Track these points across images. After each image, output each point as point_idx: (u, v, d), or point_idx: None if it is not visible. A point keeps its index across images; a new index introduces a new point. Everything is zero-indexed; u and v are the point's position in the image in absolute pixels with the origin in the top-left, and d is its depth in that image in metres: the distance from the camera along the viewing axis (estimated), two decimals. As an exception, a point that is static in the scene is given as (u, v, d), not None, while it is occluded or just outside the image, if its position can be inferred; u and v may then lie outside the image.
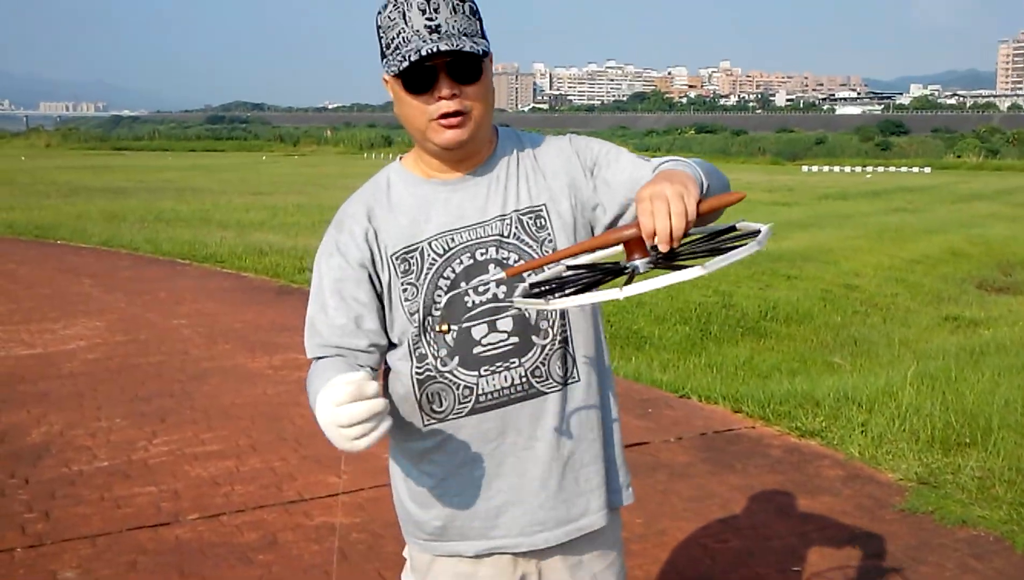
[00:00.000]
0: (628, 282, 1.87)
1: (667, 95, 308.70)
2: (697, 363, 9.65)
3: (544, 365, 2.33)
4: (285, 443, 6.85)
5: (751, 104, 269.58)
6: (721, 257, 1.78)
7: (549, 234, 2.33)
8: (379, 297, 2.35)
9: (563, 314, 2.33)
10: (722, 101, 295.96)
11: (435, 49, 2.10)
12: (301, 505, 5.76)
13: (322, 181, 41.47)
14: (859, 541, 5.31)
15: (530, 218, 2.34)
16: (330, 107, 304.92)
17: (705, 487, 6.11)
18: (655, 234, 1.86)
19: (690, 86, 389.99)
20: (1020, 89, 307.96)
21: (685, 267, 1.77)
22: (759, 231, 1.91)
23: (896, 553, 5.14)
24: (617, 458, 2.49)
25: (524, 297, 2.06)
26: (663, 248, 1.87)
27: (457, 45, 2.11)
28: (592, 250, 2.00)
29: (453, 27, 2.15)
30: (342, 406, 1.94)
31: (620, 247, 1.96)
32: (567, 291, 2.02)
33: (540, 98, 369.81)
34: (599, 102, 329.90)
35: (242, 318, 11.34)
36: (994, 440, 6.56)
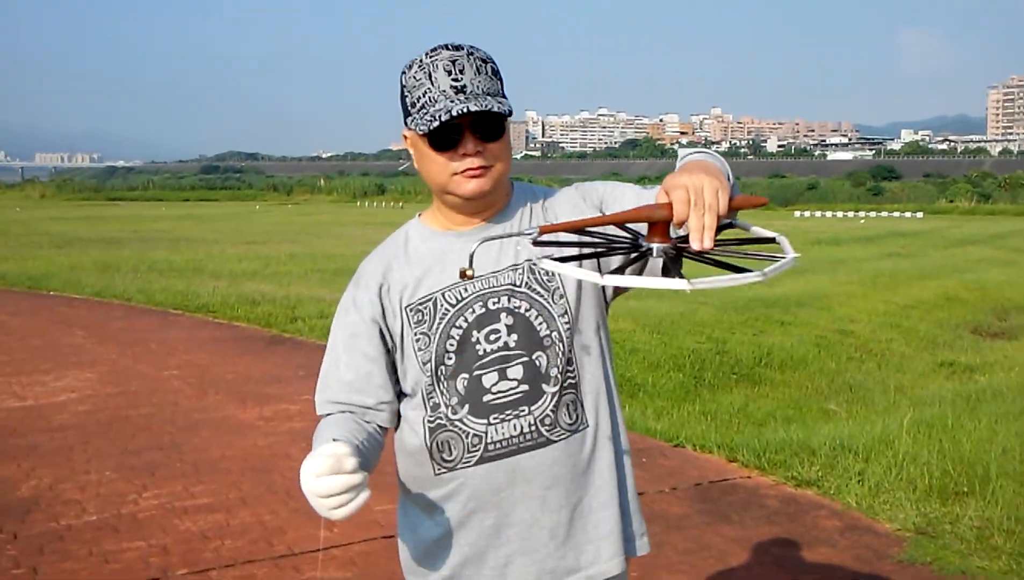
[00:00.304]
0: (639, 263, 2.00)
1: (659, 141, 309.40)
2: (691, 411, 9.61)
3: (554, 413, 2.34)
4: (275, 496, 6.80)
5: (743, 150, 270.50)
6: (776, 266, 1.80)
7: (557, 284, 2.37)
8: (390, 351, 2.41)
9: (570, 361, 2.35)
10: (714, 147, 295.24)
11: (464, 110, 2.16)
12: (291, 559, 5.71)
13: (315, 230, 41.59)
14: (857, 593, 5.23)
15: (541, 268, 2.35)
16: (324, 156, 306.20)
17: (701, 539, 6.06)
18: (683, 224, 1.87)
19: (682, 132, 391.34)
20: (1011, 134, 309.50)
21: (719, 263, 1.85)
22: (784, 256, 1.89)
23: (894, 604, 5.06)
24: (630, 504, 2.48)
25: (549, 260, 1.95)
26: (695, 245, 1.84)
27: (485, 106, 2.18)
28: (621, 222, 1.98)
29: (478, 87, 2.23)
30: (321, 477, 1.99)
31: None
32: (613, 267, 2.13)
33: (532, 145, 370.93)
34: (591, 149, 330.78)
35: (233, 369, 11.30)
36: (992, 489, 6.53)
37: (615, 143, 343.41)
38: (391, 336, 2.40)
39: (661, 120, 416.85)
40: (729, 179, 2.09)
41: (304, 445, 7.99)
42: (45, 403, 9.62)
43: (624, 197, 2.41)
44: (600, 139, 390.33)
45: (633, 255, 1.97)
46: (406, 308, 2.38)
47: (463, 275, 2.03)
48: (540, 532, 2.36)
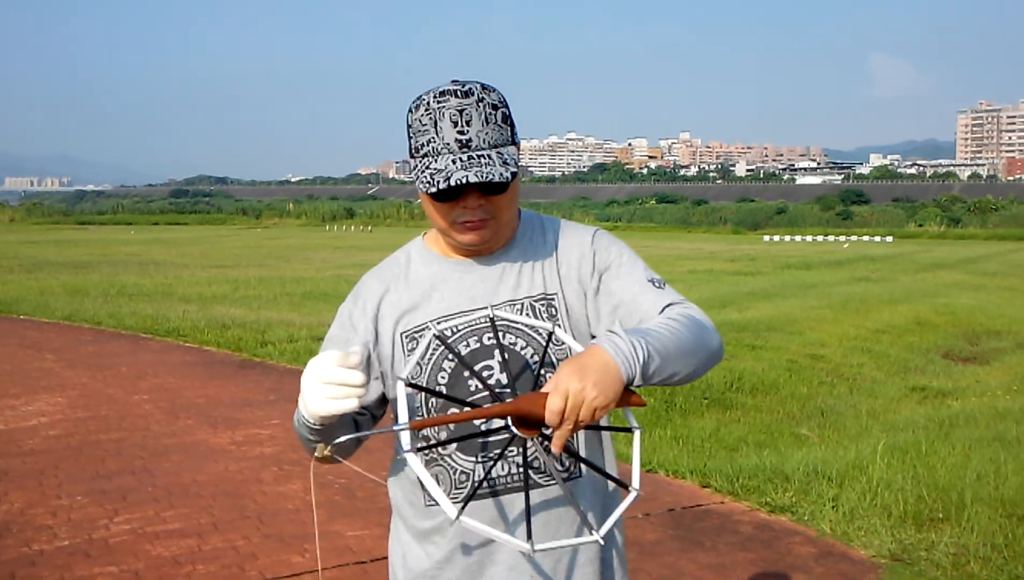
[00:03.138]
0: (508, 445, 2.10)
1: (627, 166, 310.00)
2: (663, 435, 9.61)
3: (543, 454, 2.25)
4: (247, 521, 6.80)
5: (711, 174, 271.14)
6: (612, 519, 2.15)
7: (559, 323, 2.32)
8: (377, 378, 2.38)
9: None
10: (682, 171, 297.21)
11: (464, 180, 2.10)
12: (264, 585, 5.71)
13: (284, 254, 41.58)
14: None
15: (542, 305, 2.33)
16: (293, 180, 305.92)
17: (675, 565, 6.06)
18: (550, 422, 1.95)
19: (650, 157, 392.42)
20: (979, 159, 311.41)
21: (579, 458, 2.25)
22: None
23: (871, 631, 5.06)
24: (615, 559, 2.44)
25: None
26: (554, 450, 1.99)
27: (486, 176, 2.11)
28: (497, 416, 2.03)
29: (484, 140, 2.16)
30: (325, 366, 2.01)
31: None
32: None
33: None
34: (560, 173, 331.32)
35: (204, 392, 11.28)
36: (967, 515, 6.55)
37: (584, 167, 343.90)
38: (380, 362, 2.36)
39: (630, 144, 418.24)
40: (633, 378, 2.04)
41: (276, 469, 8.02)
42: (15, 427, 9.58)
43: (629, 279, 2.33)
44: (569, 163, 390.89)
45: (504, 436, 2.12)
46: (401, 334, 2.34)
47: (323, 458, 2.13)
48: (522, 577, 2.31)
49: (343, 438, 2.14)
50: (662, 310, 2.25)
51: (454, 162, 2.14)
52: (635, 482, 2.13)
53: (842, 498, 7.05)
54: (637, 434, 2.18)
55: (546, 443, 2.06)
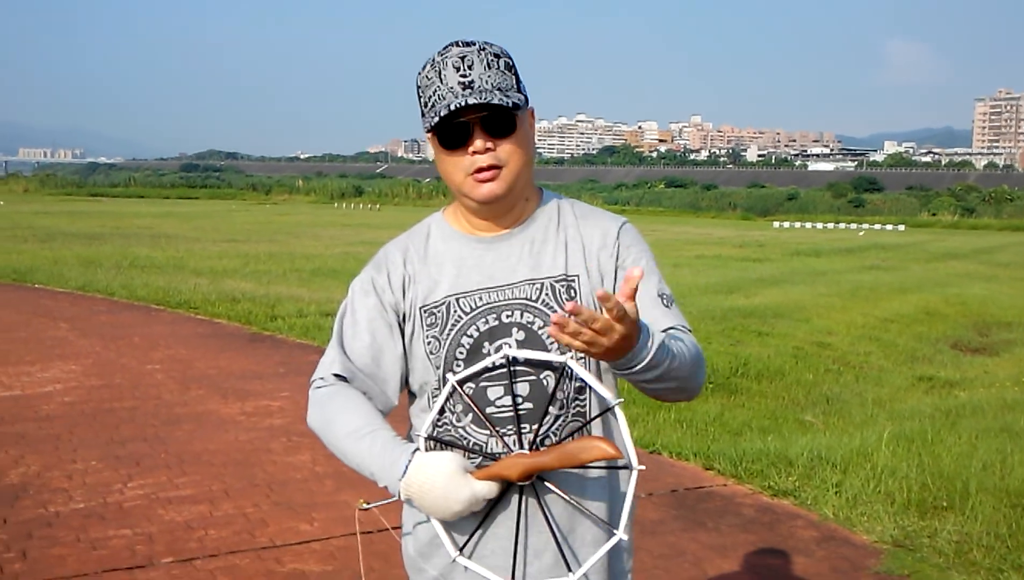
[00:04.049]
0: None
1: (637, 149, 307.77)
2: (667, 418, 9.52)
3: (557, 435, 2.29)
4: (257, 489, 6.97)
5: (722, 159, 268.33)
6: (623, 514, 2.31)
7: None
8: (402, 344, 2.39)
9: (580, 389, 2.33)
10: (692, 155, 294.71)
11: (463, 103, 2.16)
12: (273, 551, 5.86)
13: (294, 230, 41.58)
14: (835, 603, 5.24)
15: (562, 286, 2.33)
16: (302, 157, 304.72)
17: (676, 545, 6.11)
18: None
19: (660, 140, 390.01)
20: (996, 148, 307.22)
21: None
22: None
23: (872, 616, 5.07)
24: (622, 541, 2.38)
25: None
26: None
27: (486, 99, 2.16)
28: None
29: (487, 82, 2.19)
30: (460, 508, 2.19)
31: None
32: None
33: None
34: (569, 155, 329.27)
35: (215, 364, 11.45)
36: (972, 504, 6.54)
37: (593, 150, 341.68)
38: (403, 332, 2.37)
39: (640, 127, 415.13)
40: (654, 344, 2.14)
41: (285, 440, 8.16)
42: (31, 393, 9.77)
43: (641, 290, 2.18)
44: (578, 145, 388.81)
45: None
46: (420, 309, 2.35)
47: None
48: (526, 551, 2.32)
49: (374, 504, 2.33)
50: (665, 330, 2.28)
51: (456, 96, 2.18)
52: (633, 460, 2.25)
53: (846, 484, 7.05)
54: (619, 411, 2.28)
55: (546, 484, 2.27)
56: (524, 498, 2.28)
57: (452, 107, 2.16)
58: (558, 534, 2.31)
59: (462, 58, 2.20)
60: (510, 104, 2.19)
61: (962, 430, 8.86)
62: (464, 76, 2.19)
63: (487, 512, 2.29)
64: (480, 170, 2.24)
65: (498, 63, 2.23)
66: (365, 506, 2.27)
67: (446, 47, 2.24)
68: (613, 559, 2.42)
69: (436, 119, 2.19)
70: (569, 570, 2.29)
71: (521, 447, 2.26)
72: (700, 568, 5.78)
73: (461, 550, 2.29)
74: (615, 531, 2.29)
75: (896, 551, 5.98)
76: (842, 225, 68.70)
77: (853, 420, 10.27)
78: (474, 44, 2.23)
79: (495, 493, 2.18)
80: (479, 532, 2.33)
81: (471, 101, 2.15)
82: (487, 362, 2.26)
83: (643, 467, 2.29)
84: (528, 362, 2.28)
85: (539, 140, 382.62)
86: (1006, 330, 18.49)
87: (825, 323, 17.37)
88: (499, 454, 2.27)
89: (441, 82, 2.20)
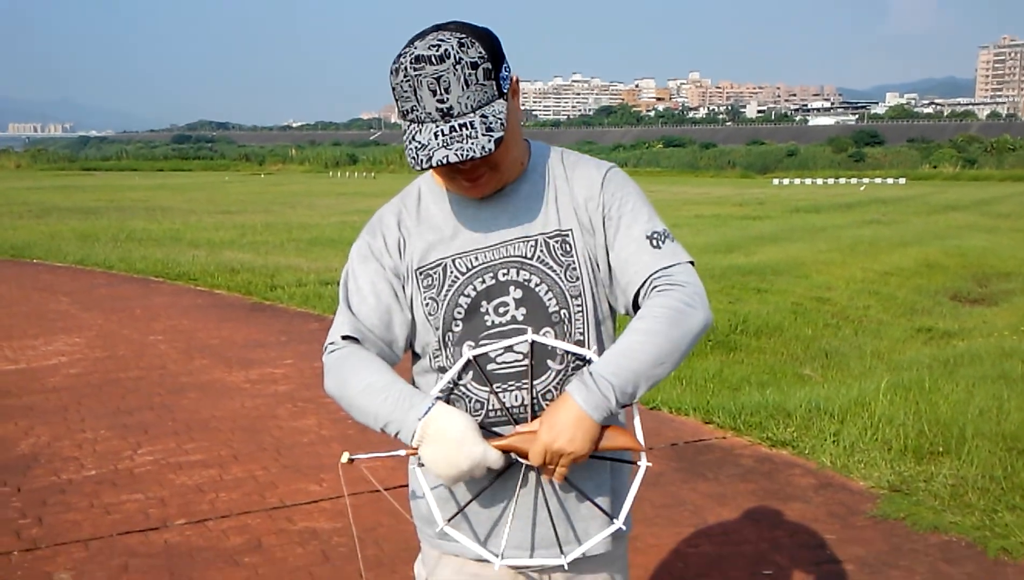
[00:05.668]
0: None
1: (634, 108, 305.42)
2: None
3: (557, 389, 2.31)
4: (265, 453, 7.07)
5: (721, 116, 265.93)
6: (625, 506, 2.45)
7: (574, 260, 2.33)
8: (408, 307, 2.39)
9: (579, 343, 2.36)
10: (691, 114, 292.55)
11: (444, 160, 2.11)
12: (283, 511, 5.97)
13: (288, 200, 41.68)
14: (830, 546, 5.38)
15: (556, 241, 2.34)
16: (294, 125, 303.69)
17: (677, 495, 6.21)
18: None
19: (658, 99, 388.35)
20: (1000, 97, 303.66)
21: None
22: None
23: (867, 558, 5.23)
24: (624, 488, 2.49)
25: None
26: (556, 480, 2.28)
27: (466, 152, 2.11)
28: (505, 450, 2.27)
29: (465, 105, 2.12)
30: (465, 467, 2.23)
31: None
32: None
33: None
34: (565, 117, 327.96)
35: (217, 334, 11.55)
36: (968, 449, 6.63)
37: (589, 110, 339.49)
38: (404, 294, 2.38)
39: (637, 86, 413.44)
40: (613, 399, 2.22)
41: (290, 406, 8.27)
42: (37, 366, 9.88)
43: (628, 235, 2.35)
44: (574, 106, 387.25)
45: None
46: (416, 271, 2.36)
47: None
48: (531, 502, 2.38)
49: (363, 455, 2.32)
50: (648, 277, 2.32)
51: (436, 136, 2.13)
52: (642, 445, 2.36)
53: (843, 433, 7.13)
54: (643, 464, 2.44)
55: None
56: (535, 476, 2.38)
57: (435, 163, 2.12)
58: (555, 515, 2.39)
59: (437, 79, 2.10)
60: (492, 148, 2.13)
61: (959, 378, 8.93)
62: (442, 101, 2.11)
63: (487, 485, 2.37)
64: (465, 179, 2.27)
65: (475, 75, 2.12)
66: (350, 457, 2.29)
67: (418, 59, 2.12)
68: (614, 502, 2.48)
69: (418, 168, 2.16)
70: (562, 552, 2.38)
71: (523, 404, 2.31)
72: (700, 516, 5.88)
73: (450, 520, 2.38)
74: (614, 520, 2.41)
75: (892, 496, 6.07)
76: (842, 180, 68.52)
77: (852, 372, 10.32)
78: (448, 57, 2.10)
79: (501, 464, 2.23)
80: (475, 505, 2.41)
81: (452, 159, 2.11)
82: (509, 342, 2.30)
83: (650, 464, 2.42)
84: (530, 314, 2.31)
85: (534, 102, 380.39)
86: (1005, 280, 18.54)
87: (824, 278, 17.40)
88: (500, 409, 2.32)
89: (418, 103, 2.13)
